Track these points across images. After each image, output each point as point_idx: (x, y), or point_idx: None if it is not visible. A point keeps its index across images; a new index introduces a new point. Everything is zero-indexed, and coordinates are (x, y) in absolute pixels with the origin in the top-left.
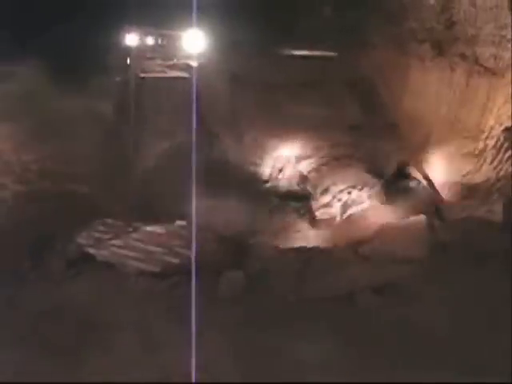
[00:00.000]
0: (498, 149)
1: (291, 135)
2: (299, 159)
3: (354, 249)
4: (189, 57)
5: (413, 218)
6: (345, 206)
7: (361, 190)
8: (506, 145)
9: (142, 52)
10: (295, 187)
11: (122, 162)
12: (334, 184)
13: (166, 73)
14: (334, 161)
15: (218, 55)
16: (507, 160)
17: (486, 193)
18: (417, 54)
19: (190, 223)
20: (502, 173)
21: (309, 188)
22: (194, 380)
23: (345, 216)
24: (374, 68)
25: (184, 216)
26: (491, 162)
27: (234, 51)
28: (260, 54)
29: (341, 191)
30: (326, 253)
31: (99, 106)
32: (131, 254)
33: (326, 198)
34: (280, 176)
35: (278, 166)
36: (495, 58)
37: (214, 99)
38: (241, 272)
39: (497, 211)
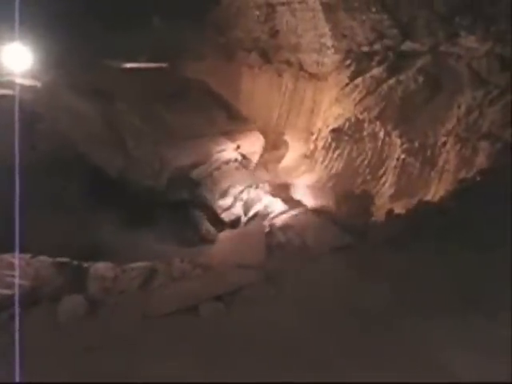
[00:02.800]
0: (327, 149)
1: (179, 145)
2: (191, 167)
3: (193, 260)
4: (14, 73)
5: (251, 224)
6: (246, 205)
7: (256, 188)
8: (333, 145)
9: None
10: (187, 196)
11: None
12: (232, 186)
13: None
14: (224, 165)
15: (66, 70)
16: (336, 159)
17: (320, 191)
18: (246, 62)
19: (26, 250)
20: (333, 171)
21: (205, 194)
22: None
23: (250, 214)
24: (207, 77)
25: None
26: (322, 162)
27: (73, 65)
28: (97, 68)
29: (241, 192)
30: (167, 266)
31: None
32: None
33: (228, 201)
34: (174, 186)
35: (173, 176)
36: (318, 64)
37: (76, 116)
38: (81, 296)
39: (330, 208)
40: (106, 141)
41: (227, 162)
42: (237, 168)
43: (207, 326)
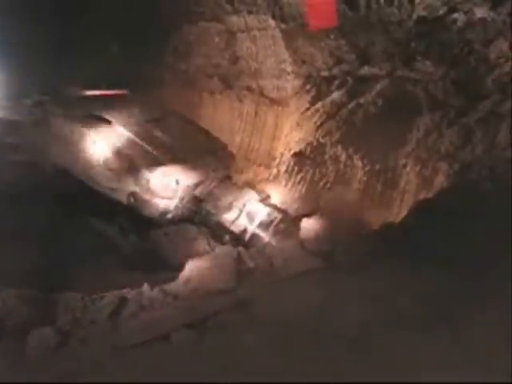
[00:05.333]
0: (289, 173)
1: (184, 165)
2: (195, 186)
3: (163, 288)
4: None
5: (220, 250)
6: (250, 216)
7: (256, 200)
8: (296, 169)
9: None
10: (187, 214)
11: None
12: (236, 200)
13: None
14: (221, 182)
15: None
16: (299, 182)
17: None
18: (207, 89)
19: None
20: (296, 194)
21: (209, 209)
22: None
23: (255, 223)
24: (169, 104)
25: None
26: (285, 186)
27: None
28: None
29: (244, 204)
30: (137, 295)
31: None
32: None
33: (233, 214)
34: (179, 205)
35: (181, 195)
36: (278, 90)
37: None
38: (50, 328)
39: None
40: (114, 168)
41: (223, 179)
42: (233, 184)
43: (180, 355)
